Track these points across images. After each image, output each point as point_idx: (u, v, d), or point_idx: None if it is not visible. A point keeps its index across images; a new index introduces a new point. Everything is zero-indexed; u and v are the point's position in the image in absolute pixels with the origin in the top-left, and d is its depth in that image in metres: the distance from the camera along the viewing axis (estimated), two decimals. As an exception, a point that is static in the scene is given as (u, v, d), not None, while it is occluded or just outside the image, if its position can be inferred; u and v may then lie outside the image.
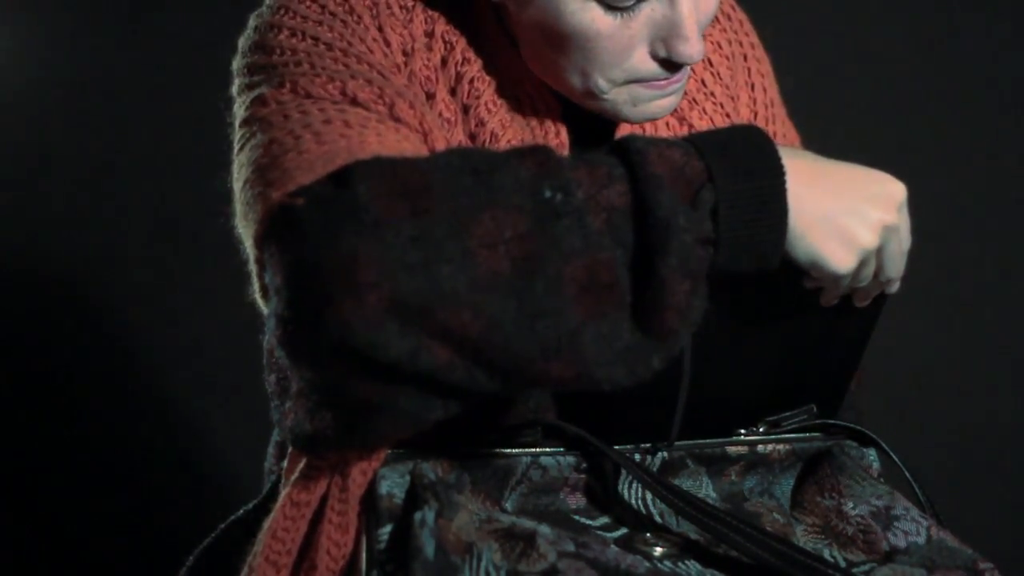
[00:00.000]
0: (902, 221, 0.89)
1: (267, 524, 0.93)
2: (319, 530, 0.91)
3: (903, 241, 0.90)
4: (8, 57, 2.15)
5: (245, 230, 0.91)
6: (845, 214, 0.86)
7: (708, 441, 0.96)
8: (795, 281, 0.89)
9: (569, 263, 0.80)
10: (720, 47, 1.14)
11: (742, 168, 0.83)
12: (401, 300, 0.77)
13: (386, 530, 0.85)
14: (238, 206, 0.92)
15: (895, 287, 0.94)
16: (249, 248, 0.90)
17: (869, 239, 0.87)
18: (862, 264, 0.88)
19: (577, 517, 0.91)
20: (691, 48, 0.94)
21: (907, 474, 0.97)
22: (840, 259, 0.86)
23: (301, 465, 0.93)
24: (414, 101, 0.94)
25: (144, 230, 2.14)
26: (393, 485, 0.87)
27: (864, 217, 0.87)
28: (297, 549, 0.92)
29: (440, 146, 0.94)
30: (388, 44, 0.98)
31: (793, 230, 0.85)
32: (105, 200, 2.18)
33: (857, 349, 0.99)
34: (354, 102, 0.91)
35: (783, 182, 0.84)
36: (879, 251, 0.89)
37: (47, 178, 2.18)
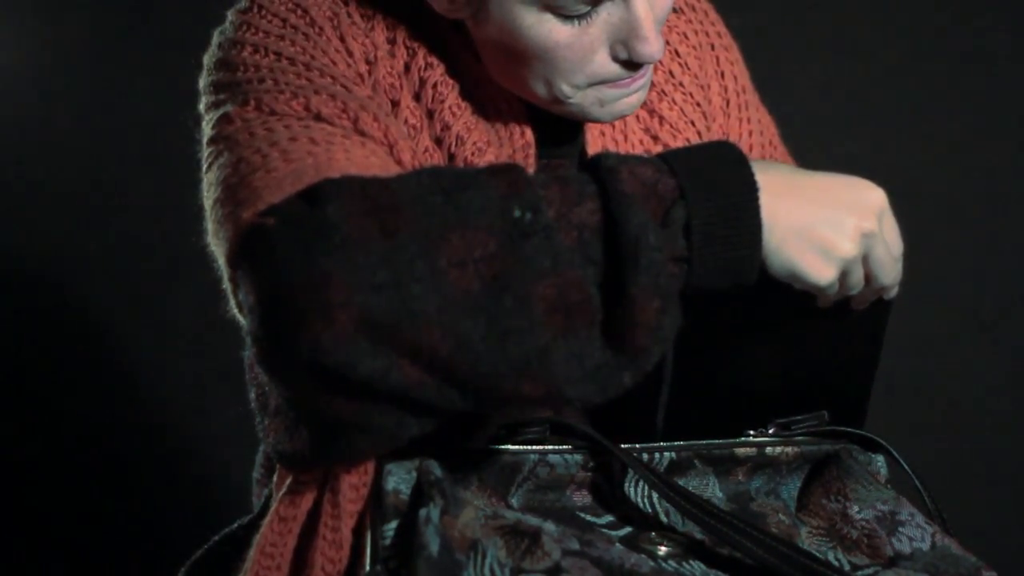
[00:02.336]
0: (885, 227, 0.89)
1: (256, 540, 0.94)
2: (313, 546, 0.92)
3: (891, 247, 0.90)
4: (8, 57, 2.15)
5: (218, 249, 0.91)
6: (821, 224, 0.86)
7: (716, 442, 0.96)
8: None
9: (538, 282, 0.80)
10: (687, 37, 1.14)
11: (714, 185, 0.83)
12: (371, 319, 0.78)
13: (391, 526, 0.85)
14: (210, 224, 0.93)
15: (893, 292, 0.93)
16: (223, 267, 0.90)
17: (848, 248, 0.86)
18: (846, 273, 0.88)
19: (582, 515, 0.92)
20: (651, 47, 0.94)
21: (916, 481, 0.97)
22: (819, 270, 0.86)
23: (289, 480, 0.93)
24: (378, 113, 0.94)
25: (144, 233, 2.15)
26: (399, 481, 0.87)
27: (841, 226, 0.86)
28: (287, 565, 0.93)
29: (406, 157, 0.94)
30: (351, 54, 0.98)
31: (768, 244, 0.85)
32: (104, 204, 2.18)
33: (869, 357, 0.99)
34: (318, 118, 0.92)
35: (756, 197, 0.84)
36: (865, 259, 0.88)
37: (45, 180, 2.18)
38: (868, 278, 0.90)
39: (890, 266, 0.90)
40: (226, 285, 0.91)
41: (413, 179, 0.82)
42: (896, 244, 0.90)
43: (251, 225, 0.83)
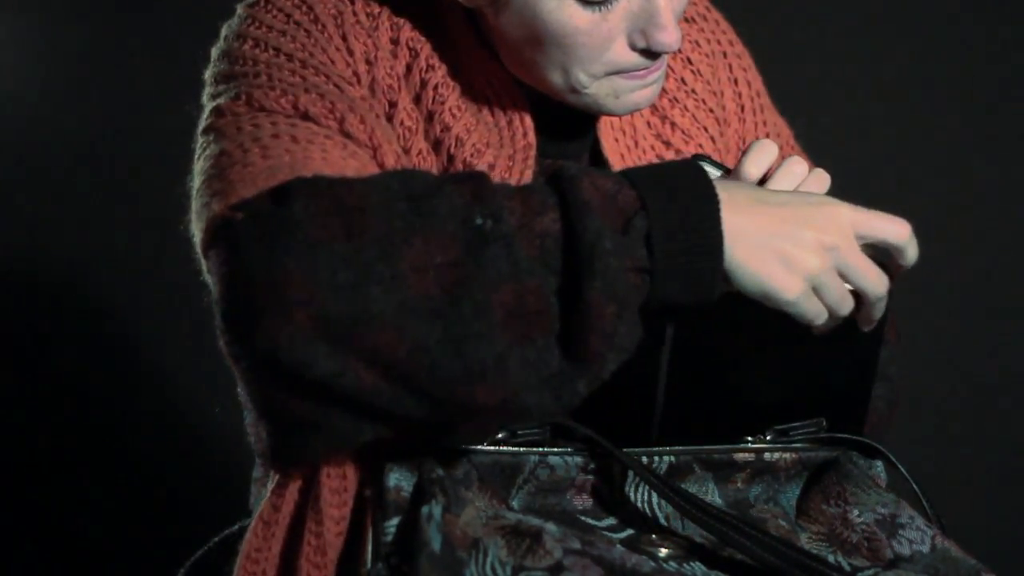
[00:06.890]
0: (858, 240, 0.88)
1: (242, 546, 0.95)
2: (299, 552, 0.92)
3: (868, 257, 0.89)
4: (7, 57, 2.15)
5: (194, 238, 0.92)
6: (782, 239, 0.86)
7: (715, 447, 0.96)
8: None
9: (496, 289, 0.80)
10: (699, 45, 1.16)
11: (675, 195, 0.84)
12: (329, 319, 0.78)
13: (393, 523, 0.86)
14: (191, 213, 0.94)
15: (882, 304, 0.92)
16: (199, 256, 0.91)
17: (812, 262, 0.86)
18: (821, 289, 0.88)
19: (583, 518, 0.92)
20: (669, 36, 0.95)
21: (913, 485, 0.98)
22: (786, 285, 0.86)
23: (272, 484, 0.94)
24: (366, 115, 0.95)
25: (145, 231, 2.15)
26: (401, 478, 0.87)
27: (801, 240, 0.86)
28: (274, 570, 0.93)
29: (390, 161, 0.95)
30: (351, 53, 0.99)
31: (733, 260, 0.85)
32: (108, 200, 2.19)
33: (867, 364, 0.99)
34: (305, 116, 0.93)
35: (717, 209, 0.84)
36: (843, 275, 0.88)
37: (48, 178, 2.18)
38: (858, 295, 0.90)
39: (872, 276, 0.89)
40: (205, 276, 0.92)
41: (382, 182, 0.83)
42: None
43: (221, 217, 0.85)
